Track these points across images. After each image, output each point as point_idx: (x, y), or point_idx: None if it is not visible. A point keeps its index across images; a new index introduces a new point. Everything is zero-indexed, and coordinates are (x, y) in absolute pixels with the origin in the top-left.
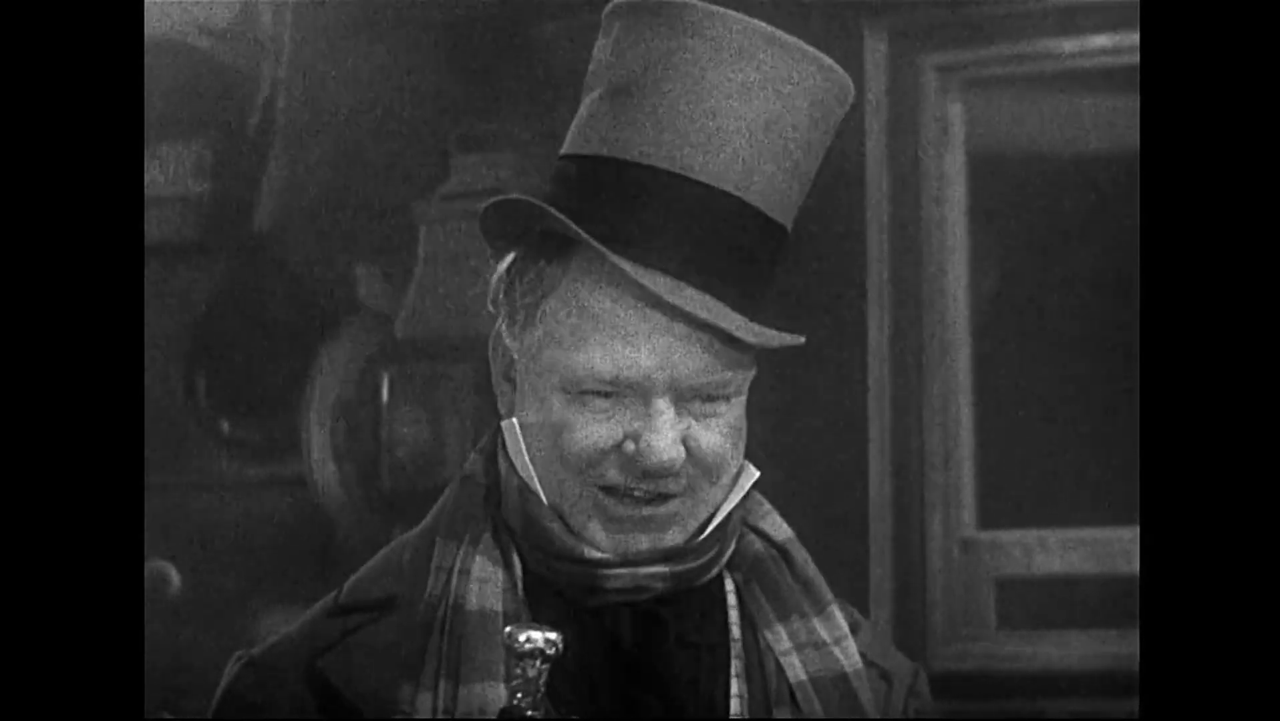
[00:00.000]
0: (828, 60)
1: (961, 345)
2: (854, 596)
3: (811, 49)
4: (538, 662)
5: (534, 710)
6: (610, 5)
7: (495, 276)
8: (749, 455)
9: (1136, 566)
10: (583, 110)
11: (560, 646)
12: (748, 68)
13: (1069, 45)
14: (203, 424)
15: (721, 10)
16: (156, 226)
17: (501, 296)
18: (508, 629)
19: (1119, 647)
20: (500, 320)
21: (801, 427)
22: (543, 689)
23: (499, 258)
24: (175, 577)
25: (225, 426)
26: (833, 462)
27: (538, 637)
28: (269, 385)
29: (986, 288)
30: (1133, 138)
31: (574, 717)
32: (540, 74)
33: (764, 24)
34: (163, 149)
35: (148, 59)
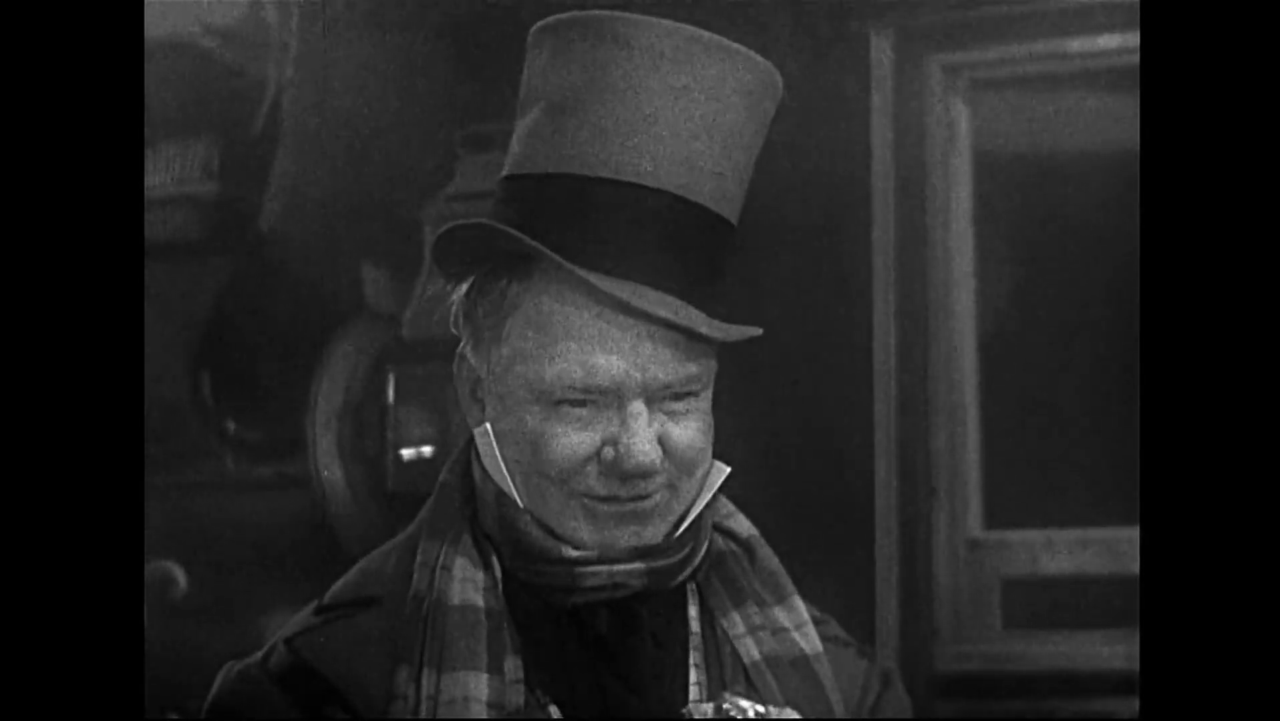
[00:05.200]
0: (756, 57)
1: (968, 345)
2: (860, 596)
3: (741, 47)
4: None
5: None
6: (537, 26)
7: (455, 300)
8: (756, 457)
9: None
10: (521, 130)
11: None
12: (681, 72)
13: (1075, 45)
14: (209, 424)
15: (649, 19)
16: (162, 227)
17: (463, 319)
18: None
19: (1126, 647)
20: (464, 342)
21: (808, 428)
22: None
23: (454, 283)
24: (181, 578)
25: (231, 427)
26: (839, 463)
27: None
28: (275, 386)
29: (993, 287)
30: (1138, 137)
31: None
32: None
33: (692, 27)
34: (168, 149)
35: (154, 59)
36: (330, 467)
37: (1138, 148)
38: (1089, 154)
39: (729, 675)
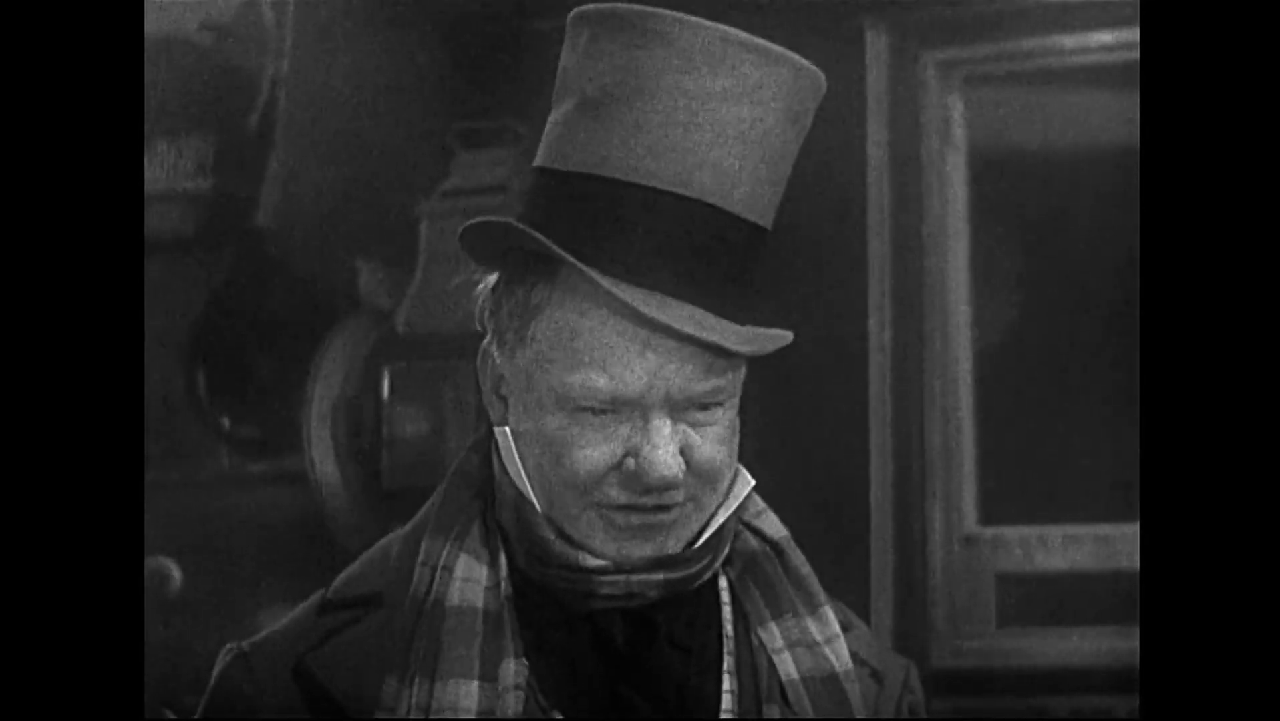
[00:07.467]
0: (799, 60)
1: (963, 341)
2: (855, 592)
3: (783, 50)
4: None
5: None
6: (574, 13)
7: (480, 296)
8: (750, 453)
9: (1138, 562)
10: (555, 120)
11: None
12: (720, 76)
13: (1070, 41)
14: (203, 420)
15: (690, 18)
16: (157, 222)
17: (488, 316)
18: None
19: (1121, 644)
20: (489, 338)
21: (803, 424)
22: None
23: (482, 271)
24: (176, 574)
25: (226, 423)
26: (834, 459)
27: None
28: (270, 381)
29: (989, 284)
30: (1135, 134)
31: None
32: (542, 70)
33: (734, 30)
34: (164, 145)
35: (149, 55)
36: (325, 463)
37: (1134, 143)
38: (1085, 150)
39: (764, 690)
